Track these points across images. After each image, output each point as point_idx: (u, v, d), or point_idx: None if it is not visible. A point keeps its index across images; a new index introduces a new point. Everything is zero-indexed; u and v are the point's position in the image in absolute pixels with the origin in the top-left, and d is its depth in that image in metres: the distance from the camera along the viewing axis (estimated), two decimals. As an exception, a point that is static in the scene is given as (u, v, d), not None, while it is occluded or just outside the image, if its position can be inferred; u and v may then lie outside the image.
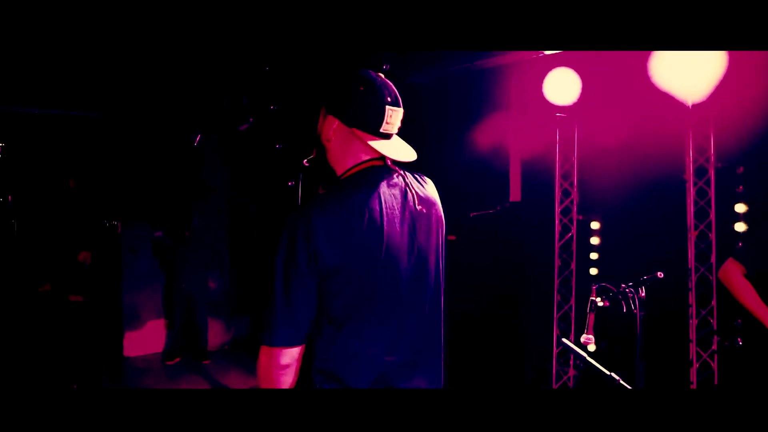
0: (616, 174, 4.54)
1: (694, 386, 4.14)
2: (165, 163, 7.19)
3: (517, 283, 5.49)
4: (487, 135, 5.10)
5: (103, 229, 7.55)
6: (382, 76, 1.56)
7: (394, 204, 1.49)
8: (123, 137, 6.86)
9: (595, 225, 4.78)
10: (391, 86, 1.55)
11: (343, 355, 1.44)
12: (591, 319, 2.70)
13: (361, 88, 1.51)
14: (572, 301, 4.89)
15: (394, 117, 1.53)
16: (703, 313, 4.17)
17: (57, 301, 4.64)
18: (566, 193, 4.98)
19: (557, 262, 4.97)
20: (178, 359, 6.88)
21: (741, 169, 4.06)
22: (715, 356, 4.13)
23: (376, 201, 1.46)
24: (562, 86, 4.54)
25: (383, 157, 1.55)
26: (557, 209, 4.98)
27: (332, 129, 1.54)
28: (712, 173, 4.13)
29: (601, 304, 2.65)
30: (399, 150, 1.55)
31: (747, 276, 2.82)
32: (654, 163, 4.38)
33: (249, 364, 6.89)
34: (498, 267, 5.48)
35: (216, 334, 7.38)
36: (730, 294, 2.89)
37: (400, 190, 1.54)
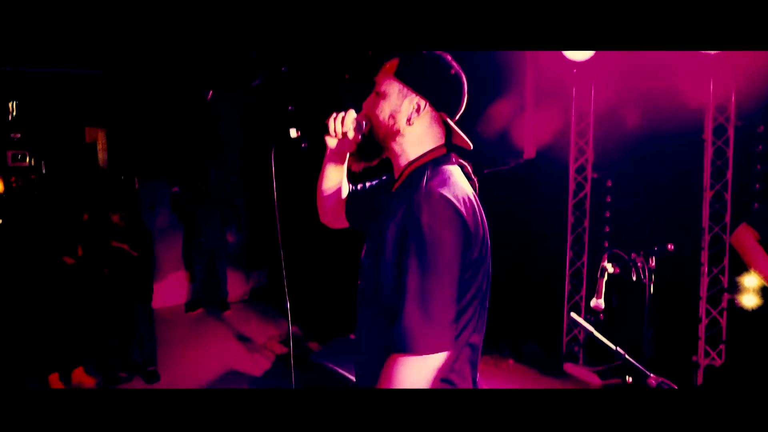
0: (632, 132, 4.50)
1: (702, 341, 4.23)
2: (179, 119, 7.22)
3: (530, 239, 5.54)
4: (502, 92, 5.05)
5: (120, 183, 7.70)
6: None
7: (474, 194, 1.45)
8: (136, 94, 6.86)
9: (609, 183, 4.77)
10: None
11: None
12: (601, 284, 2.75)
13: (452, 72, 1.46)
14: (584, 258, 4.95)
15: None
16: (715, 271, 4.21)
17: (90, 260, 4.79)
18: (581, 151, 4.95)
19: (570, 220, 4.99)
20: (200, 310, 7.13)
21: (761, 128, 4.00)
22: (725, 313, 4.20)
23: (471, 190, 1.44)
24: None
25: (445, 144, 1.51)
26: (572, 167, 4.96)
27: (420, 111, 1.44)
28: (731, 132, 4.07)
29: (611, 270, 2.70)
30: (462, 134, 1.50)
31: (760, 242, 2.82)
32: (672, 122, 4.32)
33: (268, 313, 7.12)
34: (511, 223, 5.52)
35: (236, 286, 7.60)
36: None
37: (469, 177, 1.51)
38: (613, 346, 1.81)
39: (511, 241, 5.58)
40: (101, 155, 8.35)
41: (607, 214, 4.87)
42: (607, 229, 4.88)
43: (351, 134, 1.54)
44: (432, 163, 1.45)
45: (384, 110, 1.47)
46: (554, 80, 4.90)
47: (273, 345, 5.85)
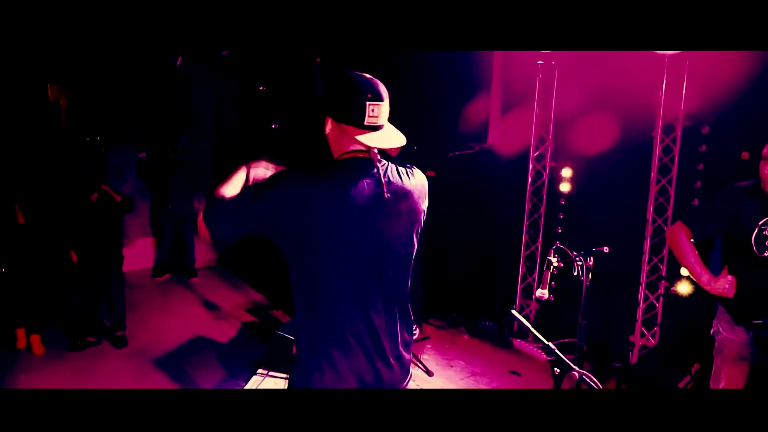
0: (590, 125, 4.73)
1: (638, 323, 4.59)
2: (148, 84, 7.16)
3: (489, 221, 5.81)
4: (469, 79, 5.21)
5: (87, 145, 7.62)
6: (367, 75, 1.75)
7: (364, 191, 1.70)
8: (104, 57, 6.77)
9: (566, 172, 5.02)
10: (373, 82, 1.73)
11: (318, 319, 1.73)
12: (546, 275, 3.02)
13: (344, 88, 1.72)
14: (539, 242, 5.23)
15: (376, 111, 1.71)
16: (655, 260, 4.55)
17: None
18: (542, 140, 5.19)
19: (528, 205, 5.26)
20: (167, 275, 7.25)
21: (706, 129, 4.27)
22: (661, 299, 4.55)
23: (349, 186, 1.68)
24: (545, 34, 4.63)
25: (369, 149, 1.75)
26: (532, 155, 5.20)
27: (328, 126, 1.77)
28: (678, 131, 4.35)
29: (556, 264, 2.95)
30: (383, 139, 1.74)
31: (693, 240, 3.04)
32: (626, 119, 4.57)
33: (234, 281, 7.29)
34: (473, 205, 5.77)
35: (202, 253, 7.70)
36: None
37: (374, 179, 1.74)
38: (545, 341, 2.05)
39: (472, 222, 5.84)
40: (65, 116, 8.22)
41: (562, 202, 5.14)
42: (561, 216, 5.16)
43: None
44: (335, 165, 1.78)
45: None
46: (520, 71, 5.09)
47: (240, 313, 6.04)
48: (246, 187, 1.78)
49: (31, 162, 6.89)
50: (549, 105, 5.09)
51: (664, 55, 4.24)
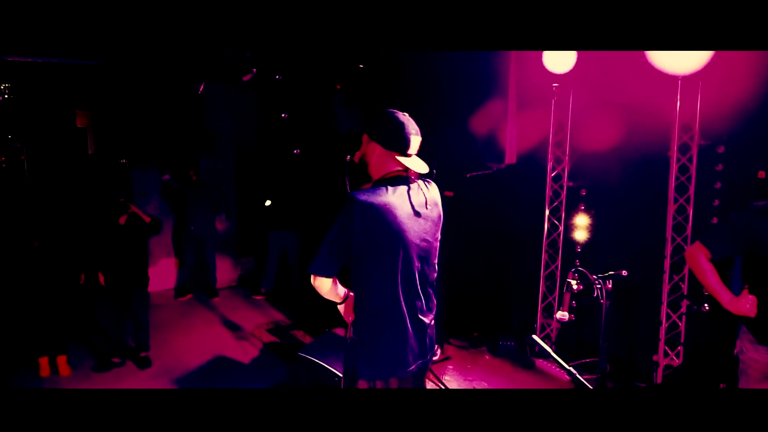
0: (606, 145, 4.76)
1: (662, 342, 4.57)
2: (171, 109, 7.35)
3: (508, 241, 5.83)
4: (486, 100, 5.30)
5: (116, 169, 7.83)
6: (407, 114, 2.28)
7: (411, 201, 2.23)
8: (129, 84, 6.97)
9: (583, 192, 5.04)
10: (412, 121, 2.28)
11: (370, 307, 2.21)
12: (567, 298, 3.04)
13: (395, 126, 2.22)
14: (558, 262, 5.25)
15: (415, 143, 2.27)
16: (676, 278, 4.54)
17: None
18: (558, 161, 5.23)
19: (546, 225, 5.28)
20: (189, 296, 7.36)
21: (722, 148, 4.28)
22: (683, 317, 4.53)
23: (399, 198, 2.20)
24: (559, 55, 4.72)
25: (407, 170, 2.29)
26: (549, 176, 5.24)
27: (375, 151, 2.27)
28: (694, 150, 4.36)
29: (576, 286, 2.98)
30: (418, 164, 2.28)
31: (712, 260, 3.03)
32: (641, 138, 4.60)
33: (255, 300, 7.37)
34: (491, 225, 5.81)
35: (224, 273, 7.81)
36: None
37: (416, 192, 2.28)
38: (566, 365, 2.09)
39: (491, 242, 5.87)
40: (92, 140, 8.46)
41: (581, 222, 5.16)
42: (583, 236, 5.17)
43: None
44: (381, 181, 2.27)
45: (362, 150, 2.36)
46: (536, 92, 5.16)
47: (261, 333, 6.11)
48: (331, 229, 2.16)
49: (58, 186, 7.09)
50: (565, 126, 5.14)
51: (677, 75, 4.27)
